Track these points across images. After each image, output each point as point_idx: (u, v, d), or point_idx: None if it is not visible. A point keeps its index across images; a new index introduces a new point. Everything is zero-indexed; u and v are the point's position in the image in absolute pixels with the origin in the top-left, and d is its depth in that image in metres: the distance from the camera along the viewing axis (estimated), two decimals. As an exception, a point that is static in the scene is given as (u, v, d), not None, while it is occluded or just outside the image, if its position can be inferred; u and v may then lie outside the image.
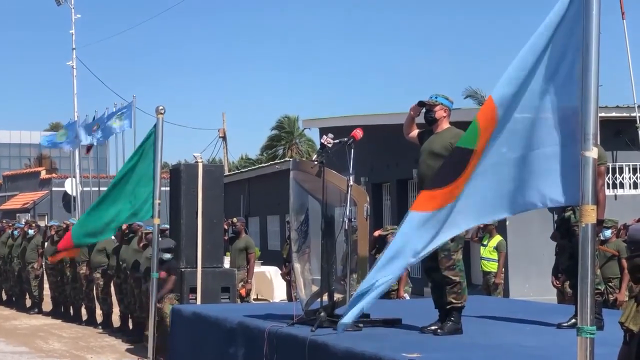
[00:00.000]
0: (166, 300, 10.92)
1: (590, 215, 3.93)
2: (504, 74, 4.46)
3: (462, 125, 7.15)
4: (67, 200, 40.12)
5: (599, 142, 4.07)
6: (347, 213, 6.78)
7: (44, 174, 48.98)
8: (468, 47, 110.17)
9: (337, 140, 7.16)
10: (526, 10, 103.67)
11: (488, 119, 4.47)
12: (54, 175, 48.36)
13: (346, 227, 6.81)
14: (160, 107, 10.50)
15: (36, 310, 18.84)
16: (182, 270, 11.41)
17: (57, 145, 26.95)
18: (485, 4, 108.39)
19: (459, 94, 41.47)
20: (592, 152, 3.95)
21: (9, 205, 48.93)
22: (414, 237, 4.54)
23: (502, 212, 4.59)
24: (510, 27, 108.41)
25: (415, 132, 7.22)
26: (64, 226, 17.86)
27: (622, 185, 19.24)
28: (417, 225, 4.54)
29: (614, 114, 18.45)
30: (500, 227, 15.30)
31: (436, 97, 6.98)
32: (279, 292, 18.65)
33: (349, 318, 4.77)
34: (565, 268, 7.50)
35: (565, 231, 7.08)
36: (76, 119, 29.19)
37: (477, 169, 4.47)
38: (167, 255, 11.39)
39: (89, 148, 25.70)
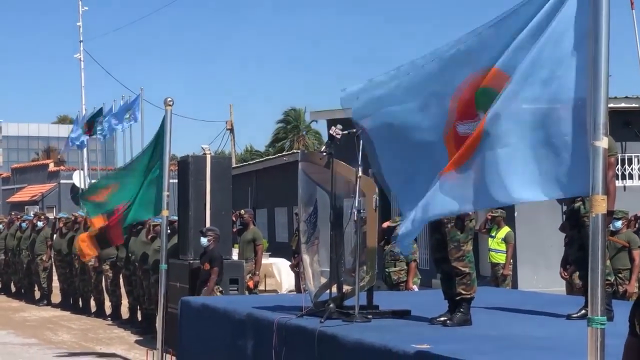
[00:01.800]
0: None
1: (600, 206, 3.91)
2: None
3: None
4: (75, 193, 40.16)
5: (608, 133, 4.05)
6: (356, 204, 6.77)
7: (52, 167, 49.09)
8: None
9: (345, 132, 7.15)
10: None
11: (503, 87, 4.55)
12: (62, 167, 48.45)
13: (355, 218, 6.80)
14: (169, 99, 10.51)
15: (45, 302, 18.90)
16: (191, 262, 11.42)
17: (74, 143, 26.73)
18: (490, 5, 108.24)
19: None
20: (602, 142, 3.93)
21: (18, 197, 49.08)
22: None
23: (508, 200, 4.62)
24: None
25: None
26: (73, 218, 17.92)
27: (631, 176, 19.17)
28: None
29: (623, 105, 18.38)
30: (509, 218, 15.27)
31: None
32: (287, 283, 18.68)
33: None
34: (575, 259, 7.48)
35: (574, 222, 7.05)
36: (84, 111, 29.22)
37: (484, 152, 4.50)
38: (203, 240, 11.06)
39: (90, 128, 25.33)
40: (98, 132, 24.14)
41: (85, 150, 29.08)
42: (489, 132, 4.52)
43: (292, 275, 17.35)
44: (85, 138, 25.49)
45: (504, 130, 4.48)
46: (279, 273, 19.23)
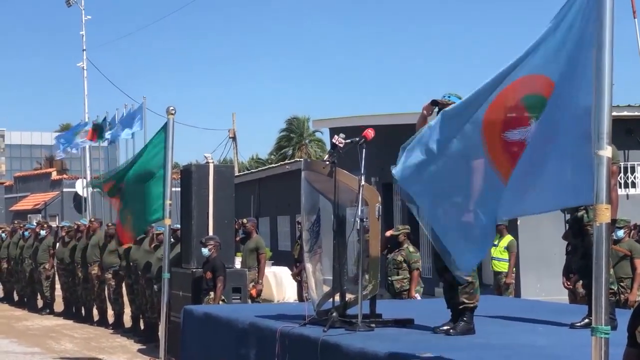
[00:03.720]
0: (210, 302, 10.79)
1: (604, 215, 3.90)
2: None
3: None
4: (77, 201, 40.20)
5: (611, 142, 4.04)
6: (359, 213, 6.77)
7: (54, 175, 49.04)
8: (475, 50, 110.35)
9: (348, 140, 7.15)
10: (528, 12, 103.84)
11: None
12: (64, 176, 48.40)
13: (358, 226, 6.80)
14: (171, 108, 10.53)
15: (48, 310, 18.88)
16: (193, 270, 11.41)
17: (68, 145, 26.83)
18: (491, 10, 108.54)
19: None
20: (606, 151, 3.93)
21: (20, 206, 49.04)
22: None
23: (519, 213, 4.61)
24: (514, 29, 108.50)
25: (427, 132, 7.19)
26: (75, 227, 17.92)
27: (634, 185, 19.15)
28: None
29: (625, 113, 18.38)
30: (511, 227, 15.25)
31: (449, 97, 6.95)
32: (290, 292, 18.66)
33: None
34: (578, 268, 7.48)
35: (577, 231, 7.05)
36: (87, 120, 29.26)
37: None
38: (204, 250, 11.05)
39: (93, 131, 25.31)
40: (105, 138, 24.25)
41: (87, 158, 29.12)
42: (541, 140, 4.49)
43: (294, 283, 17.33)
44: (80, 142, 25.59)
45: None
46: (281, 282, 19.21)
